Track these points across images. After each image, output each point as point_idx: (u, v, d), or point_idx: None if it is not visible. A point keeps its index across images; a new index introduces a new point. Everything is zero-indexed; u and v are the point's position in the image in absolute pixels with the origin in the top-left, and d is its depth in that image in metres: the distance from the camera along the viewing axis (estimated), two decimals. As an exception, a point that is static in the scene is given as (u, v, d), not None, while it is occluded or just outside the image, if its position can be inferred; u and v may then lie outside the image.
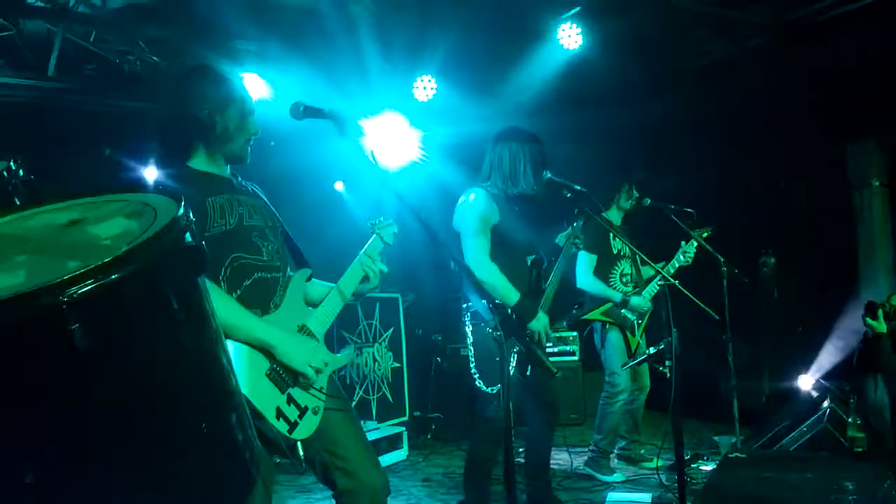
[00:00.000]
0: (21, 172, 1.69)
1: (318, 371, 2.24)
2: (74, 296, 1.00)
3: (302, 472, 2.29)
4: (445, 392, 6.53)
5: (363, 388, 6.00)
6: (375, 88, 6.04)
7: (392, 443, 5.65)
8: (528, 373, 3.73)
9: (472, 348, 3.67)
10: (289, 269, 2.40)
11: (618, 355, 4.91)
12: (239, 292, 2.23)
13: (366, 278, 2.53)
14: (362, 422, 5.71)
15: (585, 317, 5.04)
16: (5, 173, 1.70)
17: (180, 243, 1.17)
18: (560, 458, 5.28)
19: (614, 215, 5.15)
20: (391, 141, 6.31)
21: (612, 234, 4.81)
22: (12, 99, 6.05)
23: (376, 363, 6.21)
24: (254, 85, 5.67)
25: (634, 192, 5.10)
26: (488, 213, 3.65)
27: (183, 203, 1.23)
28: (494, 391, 3.53)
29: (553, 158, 3.96)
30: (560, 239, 4.01)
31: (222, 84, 2.33)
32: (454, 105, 6.24)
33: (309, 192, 7.02)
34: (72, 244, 1.18)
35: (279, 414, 2.15)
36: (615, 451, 5.38)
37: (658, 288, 4.93)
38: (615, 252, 5.03)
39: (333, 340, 5.78)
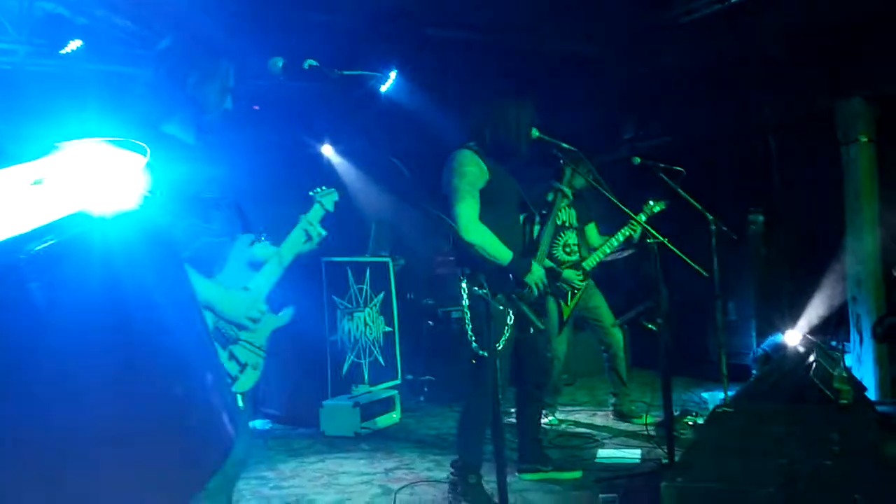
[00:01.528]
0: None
1: (254, 321, 2.40)
2: (32, 252, 0.97)
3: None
4: (437, 355, 6.57)
5: (355, 352, 6.02)
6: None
7: (385, 406, 5.70)
8: (531, 331, 3.74)
9: (467, 310, 3.67)
10: (236, 235, 2.52)
11: (551, 323, 5.01)
12: (187, 253, 2.31)
13: (309, 240, 2.65)
14: (354, 385, 5.79)
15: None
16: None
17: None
18: (550, 417, 5.36)
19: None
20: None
21: (559, 206, 4.85)
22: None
23: (367, 327, 6.23)
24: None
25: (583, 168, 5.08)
26: (476, 174, 3.62)
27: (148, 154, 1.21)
28: (490, 353, 3.54)
29: (547, 127, 3.94)
30: (550, 195, 4.02)
31: (209, 58, 2.40)
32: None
33: (295, 152, 6.99)
34: (37, 200, 1.16)
35: None
36: (609, 406, 5.48)
37: (599, 259, 5.07)
38: (559, 223, 5.08)
39: (324, 305, 5.80)
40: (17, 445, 1.03)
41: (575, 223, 5.20)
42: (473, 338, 3.56)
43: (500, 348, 3.52)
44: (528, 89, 4.41)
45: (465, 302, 3.63)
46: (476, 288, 3.45)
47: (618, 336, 5.31)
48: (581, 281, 5.06)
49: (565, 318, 5.06)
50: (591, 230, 5.38)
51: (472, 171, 3.61)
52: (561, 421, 5.43)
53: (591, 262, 5.10)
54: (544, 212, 3.94)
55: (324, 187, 2.78)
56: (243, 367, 2.38)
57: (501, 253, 3.59)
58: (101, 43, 6.01)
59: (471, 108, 3.77)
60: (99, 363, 1.07)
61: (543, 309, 4.04)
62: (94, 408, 1.07)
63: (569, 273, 5.01)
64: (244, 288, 2.44)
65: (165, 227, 1.24)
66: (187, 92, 2.35)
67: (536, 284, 3.67)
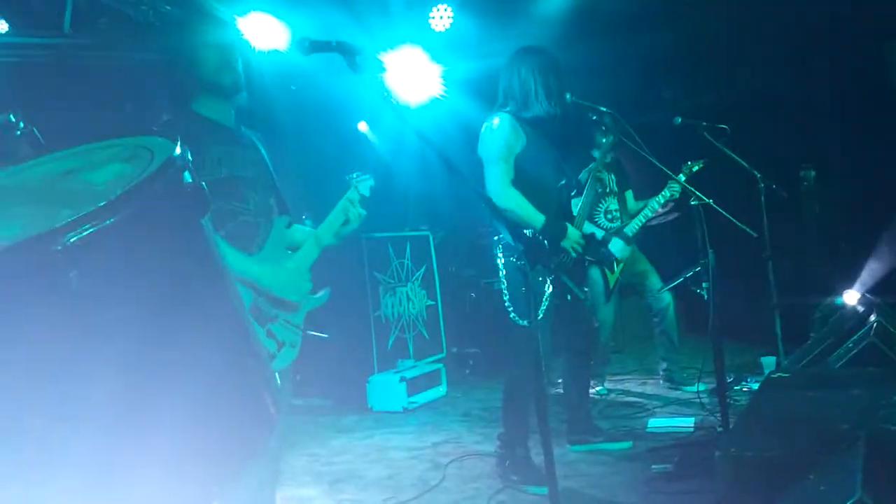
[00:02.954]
0: (21, 125, 1.66)
1: (299, 295, 2.42)
2: (68, 243, 0.96)
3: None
4: (482, 327, 6.53)
5: (399, 327, 6.02)
6: (393, 21, 5.87)
7: (431, 380, 5.70)
8: (568, 299, 3.67)
9: (504, 281, 3.62)
10: (273, 217, 2.53)
11: (597, 291, 4.93)
12: (223, 232, 2.31)
13: (348, 221, 2.66)
14: (400, 360, 5.80)
15: None
16: (5, 127, 1.67)
17: (177, 183, 1.12)
18: (599, 387, 5.28)
19: (596, 153, 5.03)
20: (411, 76, 6.15)
21: (597, 171, 4.75)
22: (30, 59, 6.01)
23: (410, 302, 6.22)
24: (269, 27, 5.54)
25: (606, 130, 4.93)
26: (512, 139, 3.55)
27: (179, 143, 1.17)
28: (531, 323, 3.48)
29: (582, 85, 3.82)
30: (595, 161, 3.91)
31: (200, 28, 2.43)
32: (473, 35, 6.04)
33: (334, 134, 6.94)
34: (68, 192, 1.14)
35: None
36: (660, 373, 5.39)
37: (642, 223, 4.92)
38: (599, 189, 5.00)
39: (366, 281, 5.79)
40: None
41: (616, 189, 5.08)
42: (511, 308, 3.51)
43: (539, 317, 3.46)
44: (567, 49, 4.29)
45: (502, 272, 3.57)
46: (513, 258, 3.39)
47: (667, 300, 5.20)
48: (626, 247, 4.95)
49: (611, 285, 4.97)
50: (629, 196, 5.26)
51: (508, 135, 3.54)
52: (610, 390, 5.34)
53: (633, 228, 4.99)
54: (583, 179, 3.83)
55: (358, 173, 2.80)
56: (281, 344, 2.38)
57: (534, 217, 3.52)
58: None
59: (504, 72, 3.67)
60: (128, 342, 1.05)
61: (584, 276, 3.94)
62: (114, 387, 1.05)
63: (616, 243, 4.93)
64: (284, 266, 2.44)
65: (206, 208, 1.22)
66: (189, 68, 2.38)
67: (573, 248, 3.59)
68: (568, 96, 3.65)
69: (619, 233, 4.97)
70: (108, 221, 0.98)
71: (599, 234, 4.89)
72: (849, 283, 5.06)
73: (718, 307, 3.58)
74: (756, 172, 4.56)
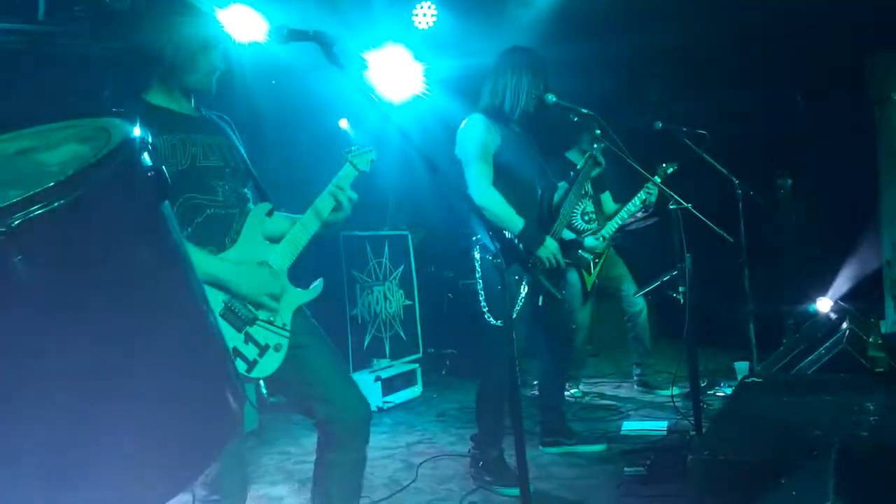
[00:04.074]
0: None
1: (275, 298, 2.20)
2: (13, 225, 0.90)
3: (260, 410, 2.29)
4: (459, 328, 6.49)
5: (375, 326, 5.97)
6: (376, 18, 5.82)
7: (406, 380, 5.65)
8: (539, 302, 3.66)
9: (480, 281, 3.59)
10: (248, 207, 2.34)
11: (574, 293, 4.89)
12: (190, 230, 2.18)
13: (338, 207, 2.43)
14: (375, 360, 5.73)
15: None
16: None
17: (134, 166, 1.07)
18: (574, 389, 5.27)
19: (573, 155, 5.05)
20: (394, 74, 6.11)
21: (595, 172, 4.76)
22: (3, 45, 5.89)
23: (387, 301, 6.17)
24: (249, 20, 5.47)
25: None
26: (488, 139, 3.52)
27: (137, 124, 1.12)
28: (504, 322, 3.46)
29: (565, 86, 3.80)
30: (580, 163, 3.90)
31: (179, 16, 2.20)
32: (457, 34, 6.00)
33: (313, 131, 6.87)
34: (18, 172, 1.08)
35: (235, 353, 2.12)
36: (634, 378, 5.39)
37: (618, 225, 4.91)
38: (581, 192, 4.94)
39: (343, 280, 5.73)
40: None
41: (591, 191, 5.09)
42: (486, 308, 3.48)
43: (513, 317, 3.43)
44: (550, 50, 4.27)
45: (478, 272, 3.55)
46: (489, 257, 3.36)
47: (640, 305, 5.22)
48: (602, 249, 4.96)
49: (589, 288, 4.96)
50: (607, 198, 5.27)
51: (483, 136, 3.51)
52: (585, 393, 5.34)
53: (610, 230, 4.98)
54: (562, 183, 3.80)
55: (357, 146, 2.57)
56: (263, 349, 2.18)
57: (513, 221, 3.49)
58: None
59: (489, 72, 3.65)
60: (77, 332, 1.00)
61: (562, 278, 3.93)
62: (74, 379, 1.00)
63: (589, 241, 4.91)
64: (262, 263, 2.24)
65: (165, 192, 1.16)
66: (165, 55, 2.17)
67: (549, 259, 3.56)
68: (550, 97, 3.63)
69: (594, 235, 4.97)
70: (55, 204, 0.93)
71: (569, 235, 4.88)
72: (822, 290, 5.10)
73: (694, 312, 3.57)
74: (734, 178, 4.57)
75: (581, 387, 5.37)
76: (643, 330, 5.27)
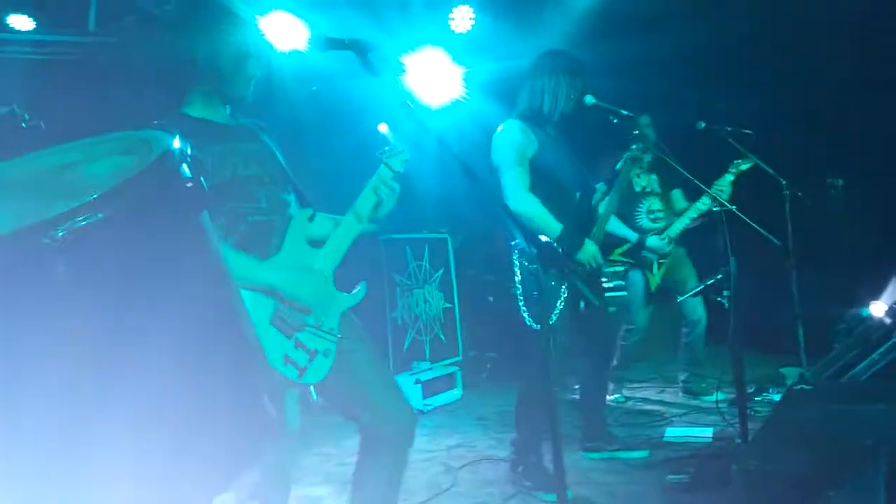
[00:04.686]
0: (27, 117, 1.64)
1: (323, 302, 2.22)
2: (58, 236, 0.93)
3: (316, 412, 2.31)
4: (500, 331, 6.47)
5: (415, 328, 5.99)
6: (414, 22, 5.85)
7: (446, 383, 5.66)
8: (581, 307, 3.62)
9: (519, 286, 3.57)
10: (290, 212, 2.35)
11: (636, 294, 4.86)
12: (235, 237, 2.20)
13: (380, 203, 2.44)
14: (415, 362, 5.75)
15: (610, 258, 4.94)
16: (9, 119, 1.65)
17: (174, 178, 1.09)
18: (618, 394, 5.21)
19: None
20: (432, 78, 6.12)
21: (636, 172, 4.69)
22: (55, 56, 6.07)
23: (427, 304, 6.18)
24: (290, 27, 5.53)
25: (643, 129, 4.87)
26: (524, 144, 3.51)
27: (177, 136, 1.14)
28: (544, 327, 3.43)
29: (606, 86, 3.77)
30: (620, 164, 3.85)
31: (216, 25, 2.22)
32: (495, 37, 5.99)
33: (353, 136, 6.92)
34: (64, 185, 1.11)
35: (286, 360, 2.14)
36: (679, 383, 5.30)
37: (686, 223, 4.79)
38: (639, 189, 4.95)
39: (384, 282, 5.76)
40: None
41: (657, 189, 4.97)
42: (526, 312, 3.46)
43: (552, 323, 3.42)
44: (590, 49, 4.24)
45: (517, 277, 3.53)
46: (526, 262, 3.34)
47: (701, 314, 5.05)
48: (667, 250, 4.84)
49: (652, 289, 4.86)
50: (677, 195, 5.14)
51: (519, 141, 3.50)
52: (627, 398, 5.26)
53: (676, 229, 4.87)
54: (600, 185, 3.76)
55: (390, 146, 2.57)
56: (313, 354, 2.20)
57: (551, 225, 3.47)
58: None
59: (526, 76, 3.63)
60: (114, 339, 1.02)
61: (599, 285, 3.88)
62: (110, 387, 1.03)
63: (653, 241, 4.82)
64: (308, 268, 2.26)
65: (204, 203, 1.18)
66: (204, 63, 2.19)
67: (589, 263, 3.54)
68: (589, 98, 3.60)
69: (660, 234, 4.87)
70: (99, 215, 0.95)
71: (634, 237, 4.82)
72: (875, 294, 4.94)
73: (739, 316, 3.50)
74: (781, 179, 4.47)
75: (624, 391, 5.29)
76: (698, 338, 5.13)
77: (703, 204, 4.79)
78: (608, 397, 4.79)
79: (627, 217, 4.91)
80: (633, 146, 3.81)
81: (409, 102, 2.20)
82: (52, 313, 0.93)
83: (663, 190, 5.06)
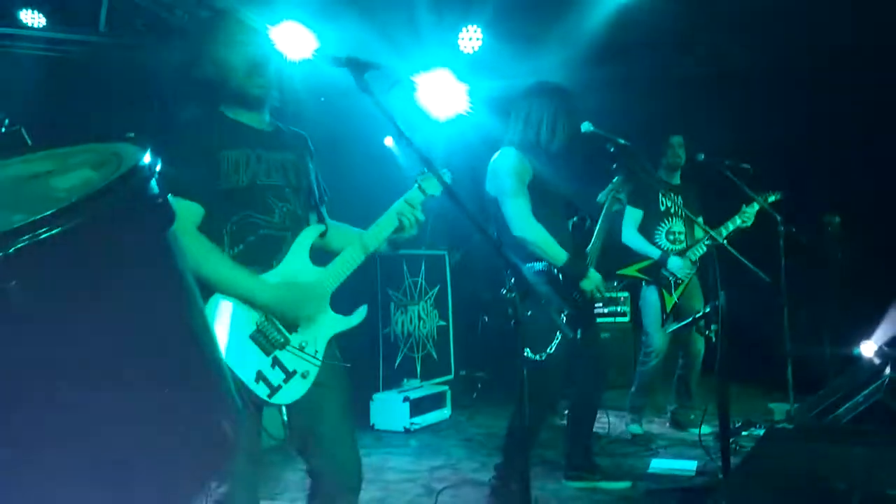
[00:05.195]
0: (7, 122, 1.65)
1: (310, 320, 2.16)
2: (10, 251, 0.93)
3: (279, 441, 2.26)
4: (493, 351, 6.46)
5: (407, 345, 5.98)
6: (422, 40, 5.89)
7: (435, 402, 5.65)
8: (578, 335, 3.62)
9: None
10: (303, 229, 2.31)
11: (652, 314, 4.78)
12: (241, 247, 2.17)
13: (400, 228, 2.39)
14: (406, 380, 5.74)
15: (619, 272, 4.92)
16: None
17: (140, 194, 1.09)
18: (604, 422, 5.16)
19: (662, 173, 4.97)
20: (439, 94, 6.15)
21: (661, 192, 4.67)
22: (65, 54, 6.12)
23: (421, 321, 6.18)
24: (298, 36, 5.57)
25: (674, 148, 4.89)
26: (521, 170, 3.51)
27: (148, 151, 1.15)
28: (543, 357, 3.43)
29: (605, 109, 3.79)
30: (601, 196, 3.84)
31: (222, 36, 2.25)
32: (502, 57, 6.03)
33: (360, 148, 6.95)
34: (27, 196, 1.12)
35: (259, 377, 2.10)
36: (667, 413, 5.26)
37: (704, 249, 4.75)
38: (663, 209, 4.87)
39: (378, 297, 5.76)
40: None
41: (682, 211, 4.80)
42: (523, 342, 3.43)
43: (551, 352, 3.41)
44: (593, 75, 4.26)
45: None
46: (504, 291, 3.34)
47: (701, 346, 4.93)
48: (688, 270, 4.79)
49: (668, 309, 4.78)
50: (700, 221, 5.09)
51: (518, 169, 3.50)
52: (613, 426, 5.21)
53: (697, 252, 4.81)
54: (589, 221, 3.78)
55: (426, 170, 2.48)
56: (290, 375, 2.14)
57: (557, 252, 3.48)
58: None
59: (518, 103, 3.65)
60: (73, 359, 1.03)
61: (592, 317, 3.86)
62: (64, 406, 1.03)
63: (675, 262, 4.75)
64: (302, 284, 2.18)
65: (170, 221, 1.19)
66: (212, 81, 2.21)
67: (591, 292, 3.54)
68: (587, 125, 3.61)
69: (680, 255, 4.81)
70: (55, 230, 0.96)
71: (656, 253, 4.80)
72: (867, 333, 4.93)
73: (730, 350, 3.49)
74: (777, 215, 4.47)
75: (613, 418, 5.20)
76: (694, 374, 5.04)
77: (727, 229, 4.74)
78: (624, 427, 4.76)
79: (648, 236, 4.86)
80: (615, 178, 3.81)
81: (398, 125, 2.21)
82: (2, 329, 0.94)
83: (687, 213, 4.99)
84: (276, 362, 2.13)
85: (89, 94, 6.03)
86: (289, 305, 2.13)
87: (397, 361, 5.85)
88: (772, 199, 4.72)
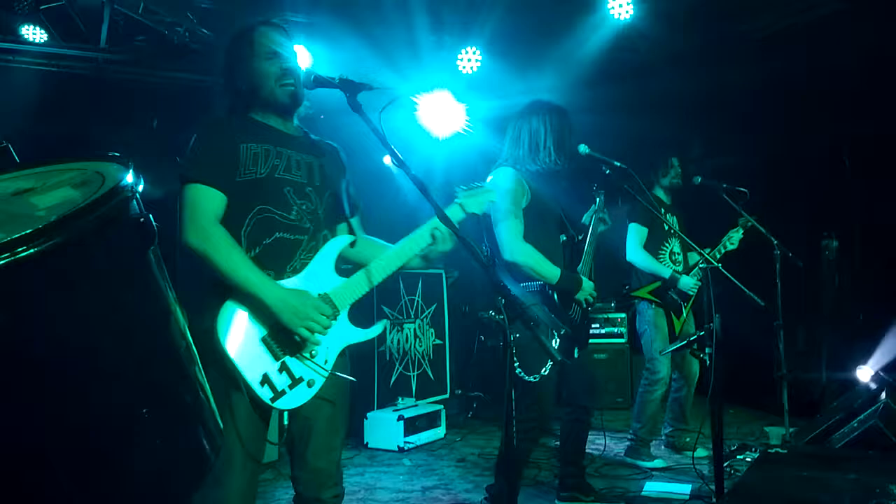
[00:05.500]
0: (-6, 139, 1.64)
1: (320, 331, 2.13)
2: (-14, 269, 0.93)
3: (278, 444, 2.26)
4: (488, 370, 6.44)
5: (403, 364, 5.96)
6: (422, 61, 5.93)
7: (430, 421, 5.61)
8: (574, 356, 3.61)
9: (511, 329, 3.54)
10: (323, 233, 2.30)
11: (661, 339, 4.70)
12: (258, 250, 2.18)
13: (434, 243, 2.36)
14: (400, 398, 5.70)
15: (633, 294, 4.82)
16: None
17: (120, 213, 1.09)
18: (599, 443, 5.14)
19: (660, 193, 4.94)
20: (439, 113, 6.19)
21: (662, 211, 4.65)
22: (67, 70, 6.16)
23: (417, 339, 6.16)
24: (303, 58, 5.61)
25: (675, 169, 4.88)
26: (518, 192, 3.51)
27: (131, 171, 1.15)
28: (537, 379, 3.41)
29: (601, 131, 3.80)
30: (586, 217, 3.84)
31: (236, 47, 2.32)
32: (500, 78, 6.07)
33: (360, 167, 6.96)
34: (7, 215, 1.11)
35: (265, 380, 2.10)
36: (662, 436, 5.21)
37: (701, 272, 4.72)
38: (666, 228, 4.78)
39: (374, 315, 5.74)
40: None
41: (678, 230, 4.73)
42: (518, 363, 3.42)
43: (545, 374, 3.40)
44: (586, 100, 4.28)
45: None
46: (492, 313, 3.34)
47: (695, 367, 4.87)
48: (695, 290, 4.72)
49: (677, 332, 4.71)
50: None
51: (513, 190, 3.49)
52: (609, 448, 5.19)
53: (699, 273, 4.72)
54: (581, 237, 3.77)
55: (475, 184, 2.51)
56: (296, 381, 2.13)
57: (549, 271, 3.47)
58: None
59: (515, 122, 3.66)
60: (48, 373, 1.02)
61: (587, 337, 3.84)
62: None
63: (686, 281, 4.69)
64: (318, 294, 2.17)
65: (150, 241, 1.18)
66: (238, 91, 2.29)
67: (586, 300, 3.54)
68: (583, 148, 3.62)
69: (685, 276, 4.75)
70: (34, 249, 0.96)
71: (666, 272, 4.71)
72: (863, 358, 4.92)
73: (726, 373, 3.47)
74: (773, 239, 4.47)
75: (610, 441, 5.19)
76: (688, 397, 4.99)
77: (720, 252, 4.69)
78: (642, 464, 4.68)
79: (653, 255, 4.78)
80: (597, 199, 3.80)
81: (391, 146, 2.22)
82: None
83: (682, 235, 4.94)
84: (284, 367, 2.13)
85: (89, 109, 6.06)
86: (298, 313, 2.09)
87: (392, 380, 5.82)
88: (749, 224, 4.67)
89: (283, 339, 2.12)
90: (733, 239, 4.67)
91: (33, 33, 5.75)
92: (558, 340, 3.49)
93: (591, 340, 4.87)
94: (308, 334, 2.12)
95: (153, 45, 6.14)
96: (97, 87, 6.15)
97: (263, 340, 2.11)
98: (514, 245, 3.46)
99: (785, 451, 3.12)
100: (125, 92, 6.22)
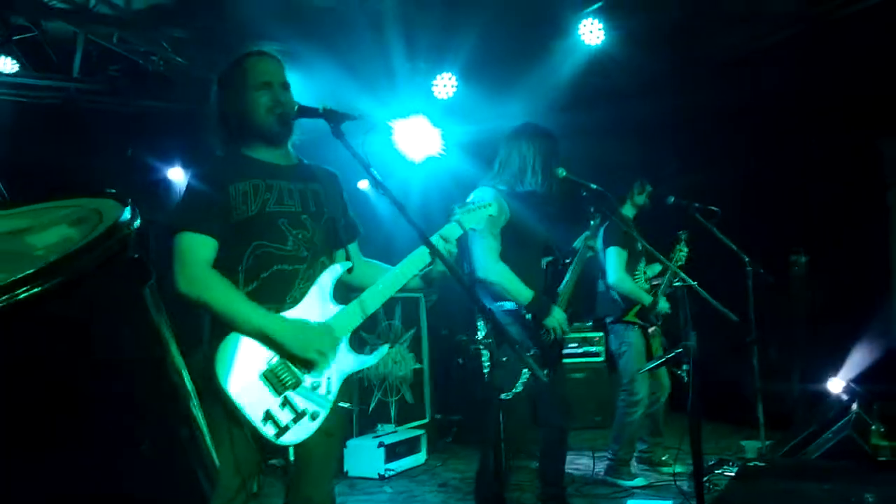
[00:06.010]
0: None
1: (324, 359, 2.12)
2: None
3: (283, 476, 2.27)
4: (468, 394, 6.43)
5: (381, 390, 5.95)
6: (398, 87, 6.01)
7: (410, 447, 5.59)
8: (546, 375, 3.64)
9: (486, 351, 3.58)
10: (321, 260, 2.29)
11: (640, 360, 4.76)
12: (256, 284, 2.18)
13: (434, 261, 2.34)
14: (380, 425, 5.68)
15: (625, 319, 4.84)
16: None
17: (118, 253, 1.11)
18: (581, 463, 5.18)
19: (629, 211, 5.02)
20: (414, 138, 6.26)
21: (634, 233, 4.71)
22: (38, 100, 6.14)
23: (396, 365, 6.16)
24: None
25: (647, 187, 4.98)
26: (497, 214, 3.55)
27: (129, 208, 1.17)
28: (510, 396, 3.44)
29: (574, 155, 3.86)
30: (578, 242, 3.90)
31: (227, 76, 2.33)
32: (475, 103, 6.17)
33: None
34: (4, 255, 1.13)
35: (267, 417, 2.08)
36: (636, 454, 5.25)
37: (671, 289, 4.82)
38: (639, 249, 4.84)
39: (355, 340, 5.73)
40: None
41: (652, 250, 4.86)
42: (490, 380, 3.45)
43: (517, 391, 3.42)
44: (561, 124, 4.36)
45: (483, 345, 3.54)
46: (475, 337, 3.37)
47: (667, 380, 4.97)
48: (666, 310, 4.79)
49: (654, 353, 4.76)
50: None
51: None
52: (589, 467, 5.21)
53: (666, 291, 4.80)
54: (569, 259, 3.82)
55: (470, 202, 2.51)
56: (299, 416, 2.11)
57: (522, 292, 3.50)
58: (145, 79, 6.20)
59: (505, 144, 3.72)
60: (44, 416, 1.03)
61: (559, 357, 3.88)
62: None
63: (664, 303, 4.76)
64: (318, 323, 2.15)
65: (146, 279, 1.20)
66: (226, 123, 2.31)
67: (554, 329, 3.57)
68: (561, 171, 3.68)
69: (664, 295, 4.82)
70: (34, 290, 0.97)
71: (647, 299, 4.74)
72: (834, 370, 5.02)
73: (702, 388, 3.53)
74: (744, 256, 4.56)
75: (588, 460, 5.21)
76: (660, 411, 5.06)
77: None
78: (623, 483, 4.71)
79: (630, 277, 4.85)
80: (591, 223, 3.86)
81: (373, 173, 2.25)
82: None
83: (653, 253, 4.99)
84: (287, 402, 2.11)
85: (63, 140, 6.04)
86: (302, 342, 2.09)
87: (371, 406, 5.81)
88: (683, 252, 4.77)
89: (283, 374, 2.10)
90: (681, 256, 4.75)
91: (3, 64, 5.72)
92: (531, 360, 3.51)
93: (569, 360, 4.91)
94: (319, 358, 2.11)
95: (127, 74, 6.15)
96: (71, 117, 6.14)
97: (264, 376, 2.10)
98: (488, 263, 3.50)
99: (763, 464, 3.18)
100: (100, 121, 6.22)
